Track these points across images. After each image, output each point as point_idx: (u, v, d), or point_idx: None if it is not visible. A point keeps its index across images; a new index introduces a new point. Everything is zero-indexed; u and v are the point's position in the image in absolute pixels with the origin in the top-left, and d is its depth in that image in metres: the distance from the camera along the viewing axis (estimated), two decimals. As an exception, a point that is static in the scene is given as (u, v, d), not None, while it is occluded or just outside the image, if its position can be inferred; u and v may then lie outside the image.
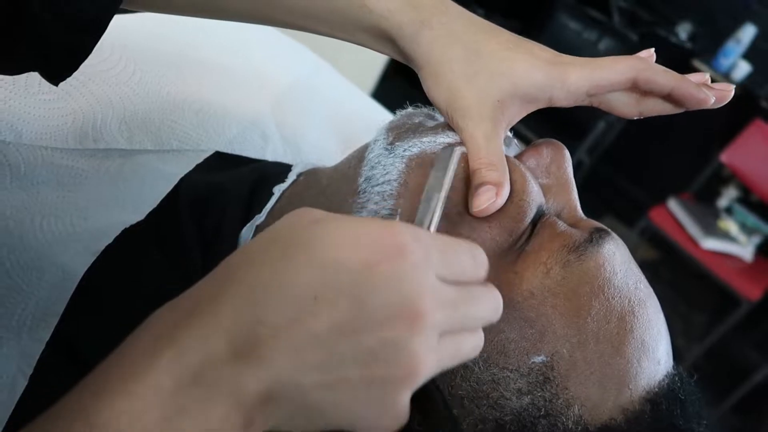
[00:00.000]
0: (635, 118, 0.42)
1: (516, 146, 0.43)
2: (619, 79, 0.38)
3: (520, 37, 0.40)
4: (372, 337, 0.26)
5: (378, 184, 0.39)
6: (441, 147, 0.39)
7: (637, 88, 0.39)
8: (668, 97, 0.39)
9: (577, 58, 0.39)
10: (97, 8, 0.34)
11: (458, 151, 0.35)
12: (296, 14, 0.40)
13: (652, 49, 0.42)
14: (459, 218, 0.38)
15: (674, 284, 2.84)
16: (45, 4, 0.32)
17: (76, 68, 0.36)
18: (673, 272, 2.84)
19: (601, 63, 0.38)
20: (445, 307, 0.28)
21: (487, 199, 0.36)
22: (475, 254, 0.30)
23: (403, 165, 0.39)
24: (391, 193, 0.39)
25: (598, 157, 2.94)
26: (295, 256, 0.26)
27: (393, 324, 0.26)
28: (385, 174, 0.39)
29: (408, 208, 0.38)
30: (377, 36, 0.40)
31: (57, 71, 0.36)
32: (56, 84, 0.36)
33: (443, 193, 0.33)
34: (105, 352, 0.36)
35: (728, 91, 0.39)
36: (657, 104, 0.40)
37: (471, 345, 0.30)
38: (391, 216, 0.38)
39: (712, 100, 0.39)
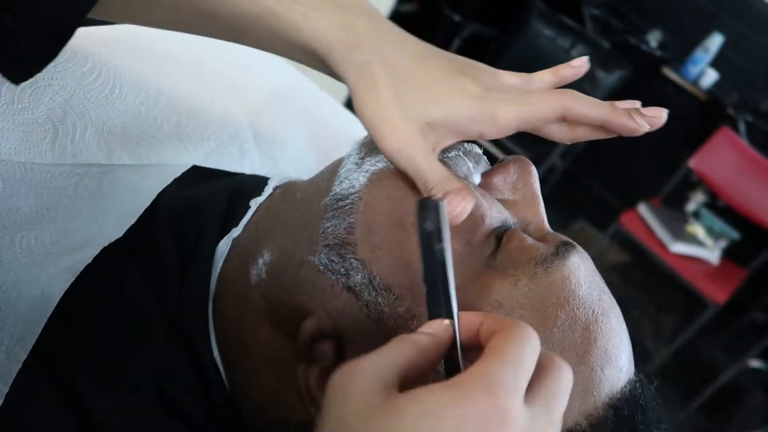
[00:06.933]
0: (568, 143, 0.43)
1: (485, 164, 0.45)
2: (547, 116, 0.38)
3: (454, 65, 0.39)
4: None
5: (341, 199, 0.40)
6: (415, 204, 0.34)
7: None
8: (600, 127, 0.40)
9: (507, 92, 0.39)
10: (63, 23, 0.35)
11: (443, 207, 0.32)
12: (229, 30, 0.40)
13: (585, 58, 0.42)
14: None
15: (644, 287, 2.89)
16: (18, 17, 0.33)
17: (39, 71, 0.37)
18: (642, 275, 2.89)
19: (529, 99, 0.38)
20: None
21: (459, 202, 0.36)
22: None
23: (365, 180, 0.40)
24: (351, 209, 0.39)
25: (570, 162, 2.99)
26: None
27: None
28: (350, 188, 0.40)
29: (364, 222, 0.39)
30: (308, 55, 0.39)
31: (19, 74, 0.37)
32: (17, 84, 0.37)
33: (449, 263, 0.31)
34: (83, 370, 0.36)
35: (659, 118, 0.40)
36: (588, 132, 0.41)
37: None
38: (350, 229, 0.39)
39: (645, 128, 0.39)
